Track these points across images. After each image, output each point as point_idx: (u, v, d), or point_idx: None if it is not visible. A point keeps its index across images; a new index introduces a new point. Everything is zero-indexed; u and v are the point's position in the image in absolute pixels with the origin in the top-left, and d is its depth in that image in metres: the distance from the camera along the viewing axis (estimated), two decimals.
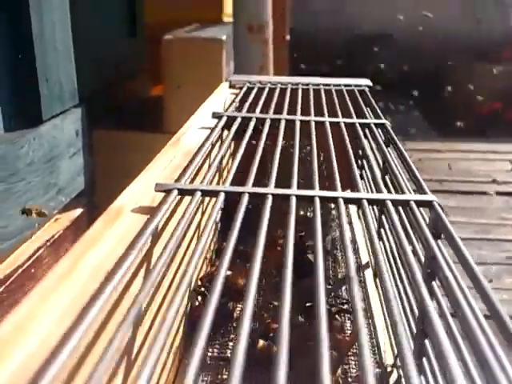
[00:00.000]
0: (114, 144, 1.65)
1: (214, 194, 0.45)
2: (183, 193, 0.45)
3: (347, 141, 0.62)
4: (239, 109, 0.76)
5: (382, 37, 5.50)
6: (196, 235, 0.60)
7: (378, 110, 0.75)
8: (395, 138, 0.62)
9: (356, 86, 0.92)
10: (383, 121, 0.69)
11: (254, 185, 0.47)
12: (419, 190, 0.48)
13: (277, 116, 0.70)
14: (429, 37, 5.42)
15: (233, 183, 0.48)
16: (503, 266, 2.05)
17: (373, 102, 0.81)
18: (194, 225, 0.58)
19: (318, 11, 5.54)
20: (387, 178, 0.58)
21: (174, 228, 0.39)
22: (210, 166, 0.58)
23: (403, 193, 0.48)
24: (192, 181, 0.50)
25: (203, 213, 0.64)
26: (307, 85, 0.91)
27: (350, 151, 0.59)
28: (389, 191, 0.53)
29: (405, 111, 4.41)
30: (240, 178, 0.50)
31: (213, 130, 0.63)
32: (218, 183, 0.69)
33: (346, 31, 5.42)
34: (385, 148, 0.59)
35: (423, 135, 3.82)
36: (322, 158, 0.69)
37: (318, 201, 0.44)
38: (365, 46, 5.48)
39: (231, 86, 0.95)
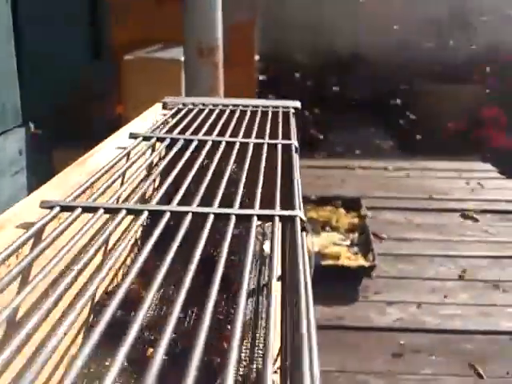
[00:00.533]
0: None
1: (94, 210, 0.48)
2: (65, 209, 0.48)
3: (262, 160, 0.65)
4: (162, 129, 0.80)
5: (355, 57, 5.61)
6: (107, 252, 0.62)
7: (292, 131, 0.79)
8: (294, 157, 0.66)
9: (284, 107, 0.96)
10: (291, 141, 0.73)
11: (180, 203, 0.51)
12: (290, 205, 0.52)
13: (193, 137, 0.74)
14: (399, 58, 5.55)
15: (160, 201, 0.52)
16: (459, 281, 2.10)
17: (293, 123, 0.86)
18: (100, 242, 0.61)
19: (290, 33, 5.65)
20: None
21: (67, 243, 0.42)
22: (122, 183, 0.61)
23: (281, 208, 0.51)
24: (96, 199, 0.53)
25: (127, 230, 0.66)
26: (237, 106, 0.95)
27: (261, 170, 0.62)
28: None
29: (375, 130, 4.51)
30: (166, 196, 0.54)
31: (126, 149, 0.66)
32: (141, 201, 0.72)
33: (319, 53, 5.53)
34: (279, 167, 0.62)
35: (390, 154, 3.89)
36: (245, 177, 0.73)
37: (233, 218, 0.47)
38: (338, 66, 5.58)
39: (164, 108, 0.99)
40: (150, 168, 0.72)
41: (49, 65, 1.42)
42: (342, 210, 2.54)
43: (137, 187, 0.63)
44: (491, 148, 4.01)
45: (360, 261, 2.07)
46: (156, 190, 0.73)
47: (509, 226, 2.56)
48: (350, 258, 2.09)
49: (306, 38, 5.75)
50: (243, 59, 3.82)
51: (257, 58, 3.67)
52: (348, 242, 2.29)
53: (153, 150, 0.71)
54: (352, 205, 2.58)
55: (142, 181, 0.66)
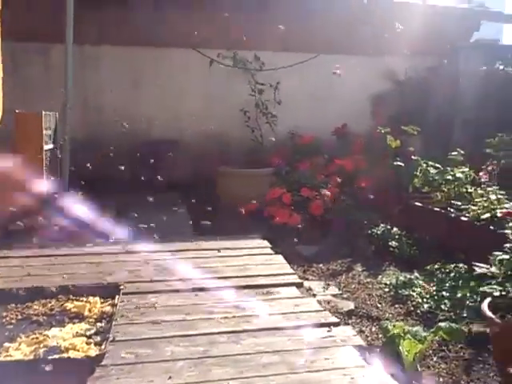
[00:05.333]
0: None
1: None
2: None
3: None
4: None
5: (169, 143, 5.86)
6: None
7: None
8: None
9: None
10: None
11: None
12: None
13: None
14: (209, 143, 5.93)
15: None
16: (194, 359, 2.20)
17: None
18: None
19: (108, 120, 5.80)
20: None
21: None
22: None
23: None
24: None
25: None
26: None
27: None
28: None
29: (179, 212, 4.69)
30: None
31: None
32: None
33: (132, 137, 5.70)
34: None
35: (183, 236, 4.05)
36: None
37: None
38: (152, 151, 5.76)
39: None
40: None
41: None
42: (97, 299, 2.57)
43: None
44: (279, 224, 4.37)
45: (90, 351, 2.09)
46: None
47: (259, 300, 2.77)
48: (83, 349, 2.10)
49: (123, 125, 5.89)
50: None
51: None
52: (93, 331, 2.31)
53: None
54: (111, 292, 2.63)
55: None
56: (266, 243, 3.77)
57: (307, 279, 3.52)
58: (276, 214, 4.40)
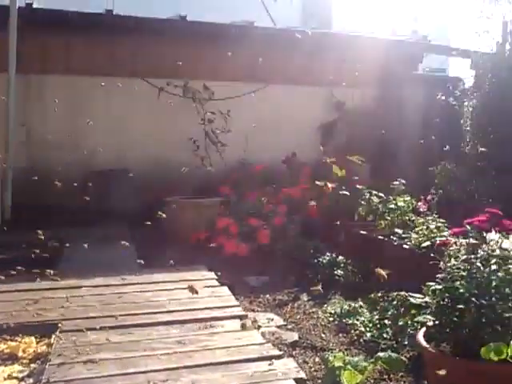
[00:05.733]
0: None
1: None
2: None
3: None
4: None
5: (117, 172, 5.79)
6: None
7: None
8: None
9: None
10: None
11: None
12: None
13: None
14: (158, 172, 5.89)
15: None
16: None
17: None
18: None
19: (52, 149, 5.70)
20: None
21: None
22: None
23: None
24: None
25: None
26: None
27: None
28: None
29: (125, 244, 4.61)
30: None
31: None
32: None
33: (79, 167, 5.61)
34: None
35: (129, 269, 3.98)
36: None
37: None
38: (99, 180, 5.67)
39: None
40: None
41: None
42: (32, 338, 2.49)
43: None
44: (226, 255, 4.37)
45: None
46: None
47: (202, 334, 2.74)
48: None
49: (68, 154, 5.79)
50: None
51: None
52: (26, 373, 2.23)
53: None
54: (48, 330, 2.55)
55: None
56: (211, 275, 3.75)
57: (253, 310, 3.51)
58: (224, 245, 4.39)
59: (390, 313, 3.23)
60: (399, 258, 3.73)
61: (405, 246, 3.79)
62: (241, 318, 3.02)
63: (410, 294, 2.42)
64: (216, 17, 7.61)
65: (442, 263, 2.25)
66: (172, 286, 3.51)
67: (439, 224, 3.83)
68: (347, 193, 4.74)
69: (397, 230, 4.15)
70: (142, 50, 5.75)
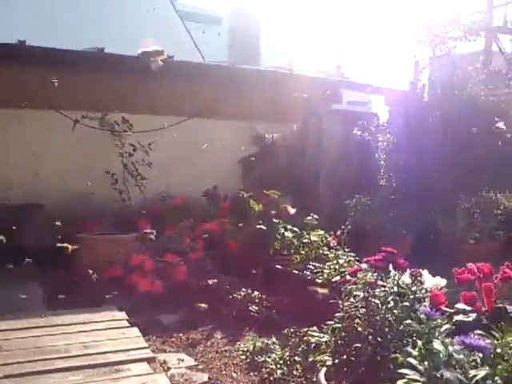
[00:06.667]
0: None
1: None
2: None
3: None
4: None
5: (30, 207, 5.55)
6: None
7: None
8: None
9: None
10: None
11: None
12: None
13: None
14: (74, 207, 5.70)
15: None
16: None
17: None
18: None
19: None
20: None
21: None
22: None
23: None
24: None
25: None
26: None
27: None
28: None
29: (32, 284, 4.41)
30: None
31: None
32: None
33: None
34: None
35: (35, 310, 3.79)
36: None
37: None
38: (11, 217, 5.42)
39: None
40: None
41: None
42: None
43: None
44: (141, 292, 4.25)
45: None
46: None
47: (106, 379, 2.64)
48: None
49: None
50: None
51: None
52: None
53: None
54: None
55: None
56: (122, 315, 3.64)
57: (164, 351, 3.43)
58: (138, 282, 4.28)
59: (300, 349, 3.24)
60: (311, 293, 3.79)
61: (317, 280, 3.86)
62: (148, 360, 2.93)
63: (312, 332, 2.45)
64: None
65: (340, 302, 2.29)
66: (78, 328, 3.36)
67: (350, 258, 3.94)
68: (264, 227, 4.80)
69: (312, 263, 4.21)
70: (59, 82, 5.60)
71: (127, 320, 3.55)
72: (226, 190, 6.32)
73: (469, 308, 2.79)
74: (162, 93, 6.33)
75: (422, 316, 2.06)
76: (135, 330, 3.36)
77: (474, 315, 2.76)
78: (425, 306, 2.66)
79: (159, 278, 4.35)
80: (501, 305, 2.71)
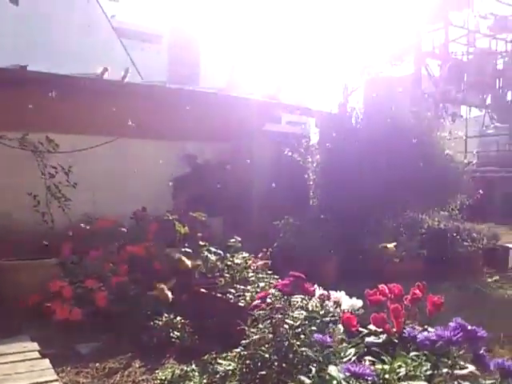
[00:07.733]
0: None
1: None
2: None
3: None
4: None
5: None
6: None
7: None
8: None
9: None
10: None
11: None
12: None
13: None
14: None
15: None
16: None
17: None
18: None
19: None
20: None
21: None
22: None
23: None
24: None
25: None
26: None
27: None
28: None
29: None
30: None
31: None
32: None
33: None
34: None
35: None
36: None
37: None
38: None
39: None
40: None
41: None
42: None
43: None
44: (59, 320, 4.08)
45: None
46: None
47: None
48: None
49: None
50: None
51: None
52: None
53: None
54: None
55: None
56: (33, 346, 3.46)
57: (78, 383, 3.28)
58: (56, 310, 4.10)
59: (218, 376, 3.18)
60: (235, 316, 3.74)
61: (240, 303, 3.81)
62: None
63: (219, 360, 2.40)
64: (75, 68, 7.42)
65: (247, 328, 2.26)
66: None
67: (272, 281, 3.92)
68: (190, 250, 4.73)
69: (237, 286, 4.17)
70: None
71: (39, 351, 3.38)
72: (158, 210, 6.21)
73: (380, 329, 2.84)
74: (91, 112, 6.20)
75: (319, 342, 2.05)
76: (46, 362, 3.20)
77: (384, 336, 2.81)
78: (339, 329, 2.69)
79: (80, 305, 4.18)
80: (410, 326, 2.77)
